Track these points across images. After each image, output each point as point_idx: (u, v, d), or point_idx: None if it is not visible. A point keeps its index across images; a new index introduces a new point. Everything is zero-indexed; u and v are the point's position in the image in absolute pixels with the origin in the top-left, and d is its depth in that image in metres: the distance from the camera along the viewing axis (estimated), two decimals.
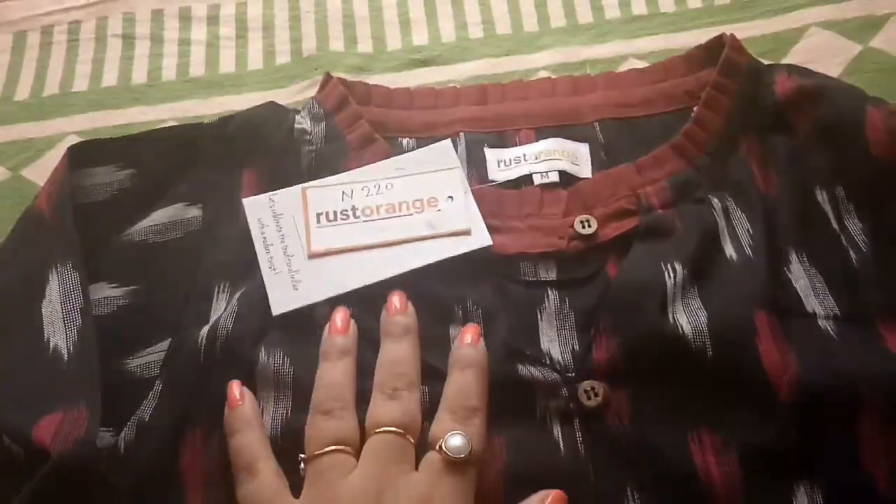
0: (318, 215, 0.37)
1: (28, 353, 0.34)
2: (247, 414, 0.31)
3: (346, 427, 0.30)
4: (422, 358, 0.33)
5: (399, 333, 0.33)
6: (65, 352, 0.33)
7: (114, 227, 0.38)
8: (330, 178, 0.39)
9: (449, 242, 0.36)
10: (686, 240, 0.35)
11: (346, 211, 0.38)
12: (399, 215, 0.37)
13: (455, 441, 0.29)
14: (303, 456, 0.30)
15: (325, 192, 0.38)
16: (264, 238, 0.37)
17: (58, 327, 0.34)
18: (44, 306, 0.34)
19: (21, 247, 0.38)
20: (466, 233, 0.37)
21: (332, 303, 0.35)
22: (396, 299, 0.34)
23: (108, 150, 0.40)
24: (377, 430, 0.30)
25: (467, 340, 0.33)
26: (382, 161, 0.39)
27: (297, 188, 0.38)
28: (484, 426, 0.31)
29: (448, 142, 0.40)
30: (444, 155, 0.39)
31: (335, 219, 0.37)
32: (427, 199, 0.38)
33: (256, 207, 0.38)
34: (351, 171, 0.39)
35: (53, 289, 0.35)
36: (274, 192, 0.38)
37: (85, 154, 0.39)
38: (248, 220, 0.38)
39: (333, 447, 0.29)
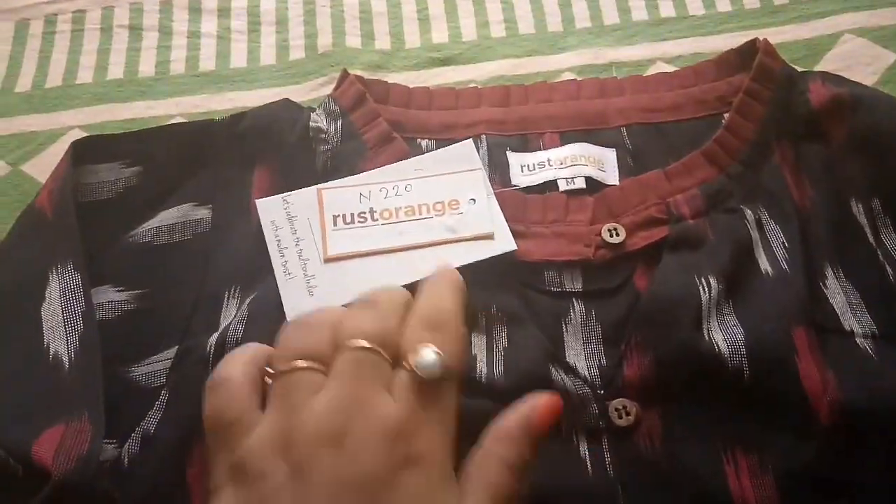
0: (335, 217, 0.36)
1: (27, 360, 0.32)
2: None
3: (318, 341, 0.25)
4: None
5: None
6: (66, 358, 0.32)
7: (119, 228, 0.37)
8: (346, 178, 0.37)
9: (471, 247, 0.35)
10: (719, 252, 0.34)
11: (364, 213, 0.36)
12: (419, 218, 0.36)
13: (426, 357, 0.24)
14: (269, 370, 0.25)
15: (342, 193, 0.37)
16: (278, 241, 0.36)
17: (58, 332, 0.32)
18: (43, 310, 0.33)
19: (20, 246, 0.37)
20: (490, 237, 0.35)
21: None
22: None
23: (114, 146, 0.39)
24: (350, 346, 0.24)
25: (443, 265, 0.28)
26: (401, 161, 0.38)
27: (312, 189, 0.37)
28: (461, 340, 0.26)
29: (470, 142, 0.39)
30: (465, 155, 0.38)
31: (352, 221, 0.36)
32: (448, 201, 0.36)
33: (270, 209, 0.36)
34: (369, 172, 0.37)
35: (53, 290, 0.33)
36: (288, 192, 0.37)
37: (89, 150, 0.38)
38: (262, 222, 0.36)
39: (302, 363, 0.24)
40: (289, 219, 0.36)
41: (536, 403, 0.25)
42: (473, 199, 0.36)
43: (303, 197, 0.37)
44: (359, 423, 0.23)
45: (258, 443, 0.22)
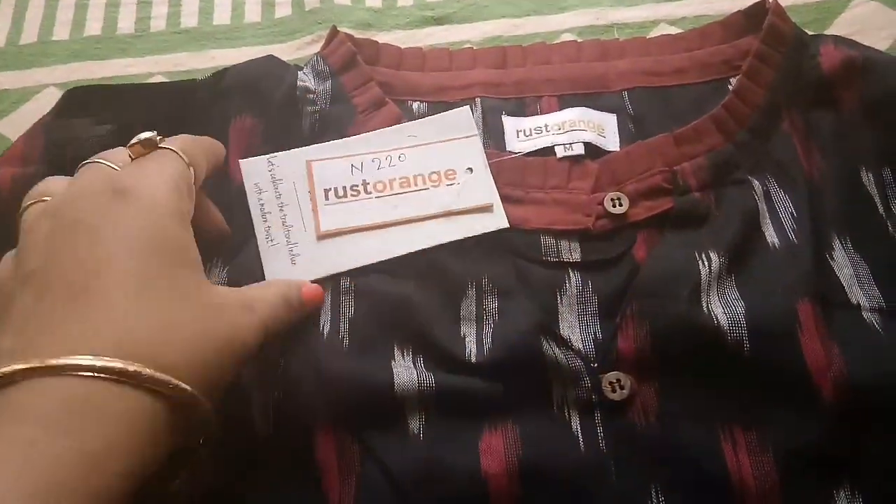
0: (326, 191, 0.34)
1: None
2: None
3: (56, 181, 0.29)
4: (432, 336, 0.31)
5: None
6: None
7: None
8: (335, 143, 0.35)
9: (467, 220, 0.34)
10: (723, 227, 0.33)
11: (357, 186, 0.34)
12: (414, 190, 0.34)
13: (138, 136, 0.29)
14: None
15: (333, 165, 0.35)
16: (261, 205, 0.34)
17: None
18: None
19: None
20: (489, 208, 0.34)
21: (333, 280, 0.32)
22: None
23: (94, 101, 0.37)
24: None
25: None
26: (392, 127, 0.36)
27: (299, 154, 0.35)
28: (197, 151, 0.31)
29: (466, 108, 0.37)
30: (460, 122, 0.36)
31: (345, 195, 0.34)
32: (444, 171, 0.35)
33: (254, 171, 0.35)
34: (357, 137, 0.36)
35: None
36: (273, 154, 0.35)
37: (78, 101, 0.36)
38: (245, 182, 0.35)
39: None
40: (273, 182, 0.35)
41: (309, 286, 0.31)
42: (470, 169, 0.35)
43: (289, 160, 0.35)
44: (73, 189, 0.27)
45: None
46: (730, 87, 0.37)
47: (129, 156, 0.29)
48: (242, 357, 0.27)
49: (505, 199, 0.35)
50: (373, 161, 0.35)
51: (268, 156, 0.35)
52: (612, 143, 0.37)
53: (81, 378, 0.22)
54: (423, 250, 0.33)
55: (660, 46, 0.40)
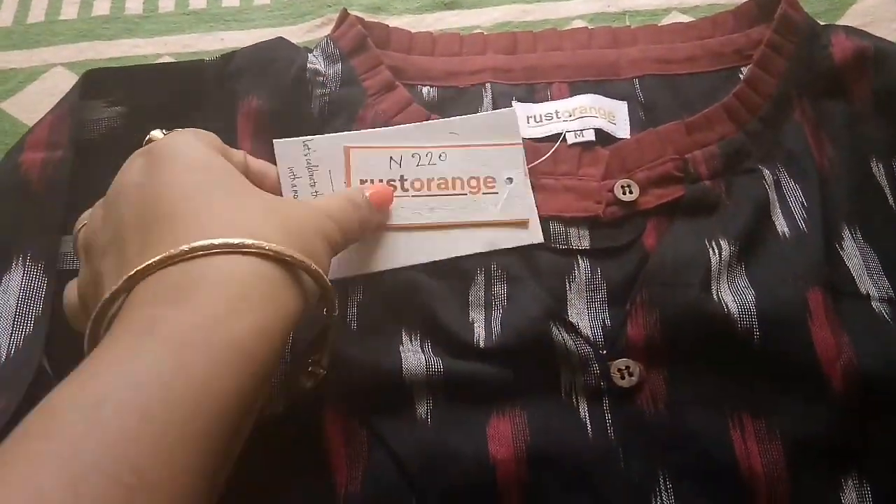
0: (362, 182, 0.33)
1: None
2: None
3: None
4: (440, 321, 0.31)
5: None
6: (3, 351, 0.30)
7: (99, 171, 0.34)
8: (375, 132, 0.34)
9: (503, 233, 0.33)
10: (734, 215, 0.33)
11: (394, 181, 0.34)
12: (451, 194, 0.34)
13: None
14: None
15: (371, 155, 0.34)
16: (294, 190, 0.33)
17: (4, 325, 0.30)
18: None
19: None
20: (524, 224, 0.33)
21: (361, 283, 0.32)
22: None
23: (107, 83, 0.36)
24: None
25: None
26: (434, 121, 0.35)
27: (337, 139, 0.34)
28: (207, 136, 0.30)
29: (512, 111, 0.36)
30: (506, 124, 0.35)
31: None
32: (484, 178, 0.34)
33: (288, 153, 0.33)
34: (400, 128, 0.35)
35: (13, 283, 0.31)
36: (310, 137, 0.34)
37: (94, 83, 0.36)
38: (279, 165, 0.33)
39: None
40: (308, 167, 0.33)
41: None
42: (511, 179, 0.34)
43: (326, 144, 0.34)
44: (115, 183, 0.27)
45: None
46: (741, 77, 0.37)
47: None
48: (335, 252, 0.28)
49: None
50: (413, 156, 0.34)
51: (303, 138, 0.34)
52: (622, 130, 0.36)
53: (254, 257, 0.24)
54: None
55: (671, 34, 0.40)
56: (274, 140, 0.34)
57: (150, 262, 0.23)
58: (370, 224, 0.31)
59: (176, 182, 0.25)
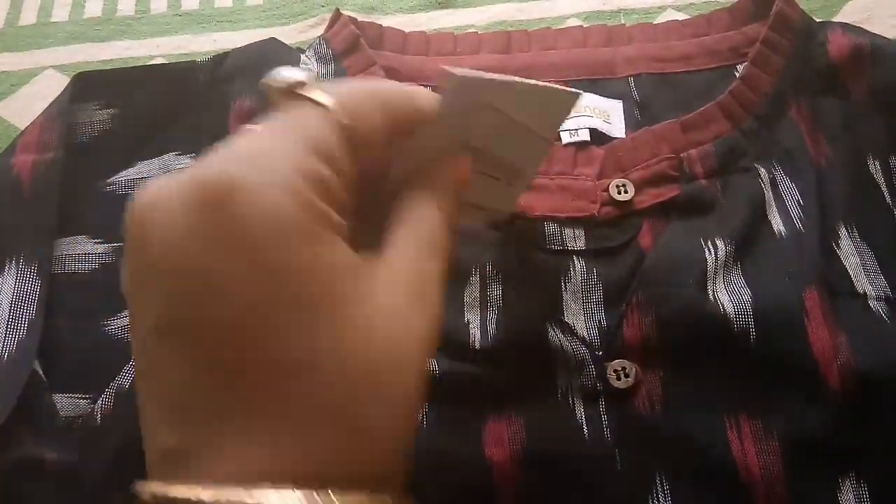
0: None
1: None
2: None
3: None
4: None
5: None
6: None
7: (94, 174, 0.35)
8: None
9: None
10: (730, 215, 0.33)
11: None
12: None
13: (281, 72, 0.21)
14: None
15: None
16: None
17: None
18: None
19: None
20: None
21: None
22: None
23: (98, 85, 0.36)
24: None
25: None
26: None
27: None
28: (362, 97, 0.21)
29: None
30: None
31: None
32: None
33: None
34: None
35: (7, 286, 0.31)
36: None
37: (85, 86, 0.36)
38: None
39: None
40: None
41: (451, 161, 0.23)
42: None
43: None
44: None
45: None
46: (737, 74, 0.37)
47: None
48: None
49: None
50: None
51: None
52: (617, 129, 0.36)
53: None
54: None
55: (667, 32, 0.40)
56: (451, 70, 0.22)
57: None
58: None
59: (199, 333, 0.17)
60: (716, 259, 0.31)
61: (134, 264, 0.18)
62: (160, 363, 0.17)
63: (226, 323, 0.17)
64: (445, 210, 0.22)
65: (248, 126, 0.20)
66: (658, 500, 0.28)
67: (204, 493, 0.16)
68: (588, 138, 0.35)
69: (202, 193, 0.17)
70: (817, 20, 0.38)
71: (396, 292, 0.19)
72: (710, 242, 0.32)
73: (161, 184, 0.18)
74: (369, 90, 0.22)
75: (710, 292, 0.30)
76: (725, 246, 0.31)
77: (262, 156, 0.18)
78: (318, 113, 0.20)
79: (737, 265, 0.31)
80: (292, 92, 0.20)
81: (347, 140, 0.20)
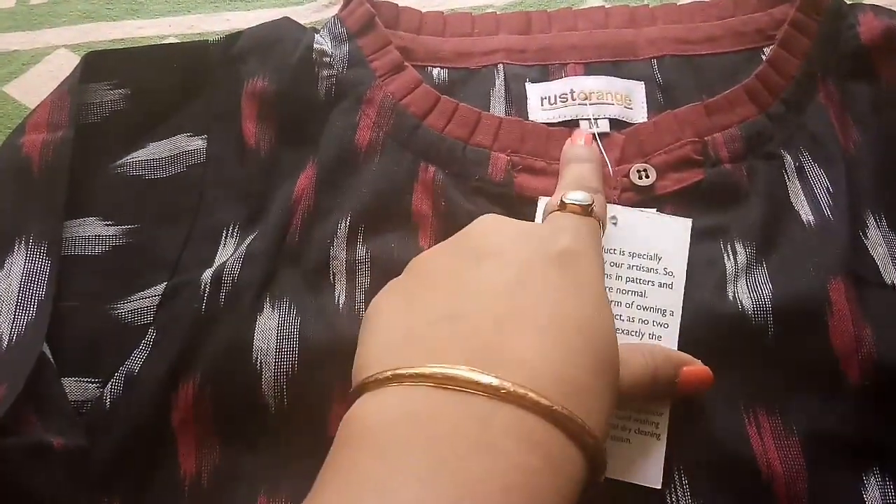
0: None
1: None
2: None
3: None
4: None
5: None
6: (6, 338, 0.29)
7: (104, 155, 0.34)
8: None
9: None
10: (753, 208, 0.32)
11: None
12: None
13: (576, 194, 0.28)
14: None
15: None
16: None
17: (7, 309, 0.29)
18: None
19: None
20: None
21: (350, 250, 0.32)
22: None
23: (110, 65, 0.35)
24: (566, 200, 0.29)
25: (579, 142, 0.33)
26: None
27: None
28: (604, 206, 0.31)
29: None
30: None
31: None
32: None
33: None
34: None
35: (16, 266, 0.30)
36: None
37: (96, 66, 0.35)
38: None
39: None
40: None
41: (696, 366, 0.28)
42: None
43: None
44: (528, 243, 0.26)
45: None
46: (763, 57, 0.36)
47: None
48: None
49: (527, 169, 0.34)
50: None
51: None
52: (639, 113, 0.35)
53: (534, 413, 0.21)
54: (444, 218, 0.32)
55: (691, 13, 0.38)
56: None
57: (416, 371, 0.21)
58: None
59: (498, 313, 0.23)
60: (735, 263, 0.31)
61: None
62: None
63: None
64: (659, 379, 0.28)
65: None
66: (677, 495, 0.27)
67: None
68: (608, 129, 0.35)
69: (558, 249, 0.26)
70: (848, 2, 0.37)
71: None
72: (729, 247, 0.31)
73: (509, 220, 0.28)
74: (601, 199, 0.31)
75: (730, 292, 0.30)
76: (745, 249, 0.31)
77: (585, 239, 0.27)
78: (597, 226, 0.29)
79: (760, 264, 0.31)
80: (587, 209, 0.28)
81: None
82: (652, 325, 0.30)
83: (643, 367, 0.27)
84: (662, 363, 0.27)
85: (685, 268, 0.31)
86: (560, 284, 0.24)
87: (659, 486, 0.28)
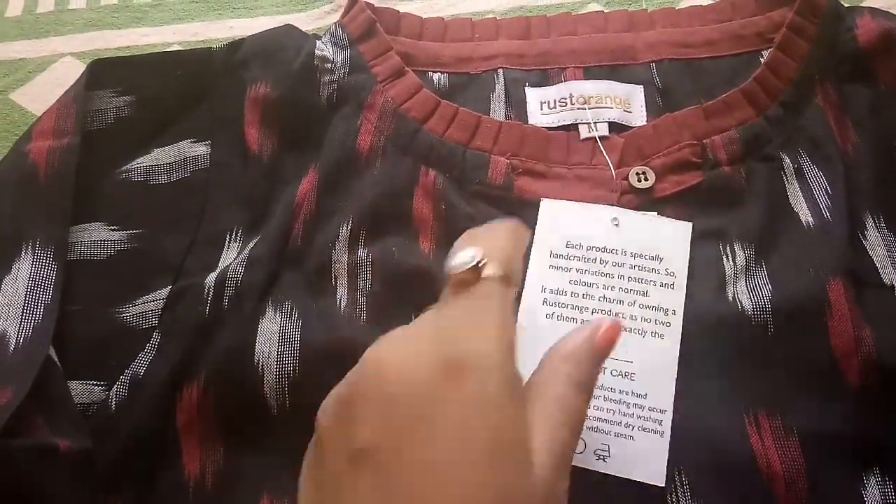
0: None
1: None
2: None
3: None
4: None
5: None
6: (13, 341, 0.29)
7: (110, 161, 0.35)
8: None
9: None
10: (751, 211, 0.32)
11: None
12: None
13: (460, 256, 0.23)
14: None
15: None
16: None
17: (14, 313, 0.30)
18: (5, 283, 0.30)
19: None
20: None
21: (351, 252, 0.32)
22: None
23: (114, 73, 0.36)
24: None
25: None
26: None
27: None
28: (508, 253, 0.24)
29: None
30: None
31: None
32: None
33: None
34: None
35: (23, 270, 0.31)
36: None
37: (101, 74, 0.36)
38: None
39: None
40: None
41: (600, 325, 0.24)
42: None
43: None
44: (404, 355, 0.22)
45: None
46: (762, 61, 0.36)
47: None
48: None
49: (527, 172, 0.34)
50: None
51: None
52: (638, 117, 0.35)
53: None
54: (444, 222, 0.32)
55: (690, 17, 0.39)
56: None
57: None
58: None
59: (406, 468, 0.20)
60: (734, 265, 0.31)
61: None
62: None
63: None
64: (582, 389, 0.23)
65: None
66: (677, 496, 0.27)
67: None
68: (607, 133, 0.35)
69: (446, 360, 0.21)
70: (845, 5, 0.37)
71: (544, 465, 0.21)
72: (728, 248, 0.31)
73: (401, 336, 0.22)
74: (512, 242, 0.25)
75: (730, 293, 0.30)
76: (744, 251, 0.31)
77: (478, 324, 0.22)
78: (500, 289, 0.23)
79: (759, 265, 0.31)
80: (475, 271, 0.23)
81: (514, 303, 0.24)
82: (654, 324, 0.30)
83: (564, 392, 0.23)
84: (573, 370, 0.23)
85: (686, 269, 0.31)
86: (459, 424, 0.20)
87: (662, 484, 0.28)
